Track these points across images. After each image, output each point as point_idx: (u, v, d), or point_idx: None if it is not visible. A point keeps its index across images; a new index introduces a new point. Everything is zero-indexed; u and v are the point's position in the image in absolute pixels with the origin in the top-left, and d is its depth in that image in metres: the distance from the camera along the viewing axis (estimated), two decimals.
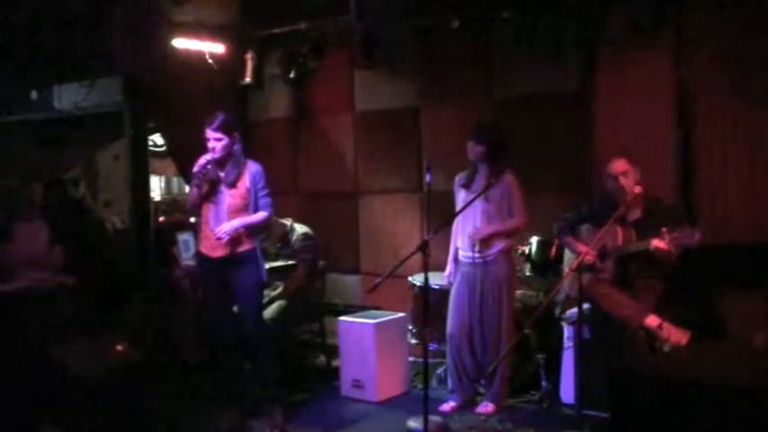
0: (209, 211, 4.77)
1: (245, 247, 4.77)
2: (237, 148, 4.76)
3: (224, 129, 4.67)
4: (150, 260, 6.54)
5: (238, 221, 4.69)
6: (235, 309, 4.99)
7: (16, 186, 5.92)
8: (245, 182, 4.75)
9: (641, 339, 4.43)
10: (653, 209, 4.59)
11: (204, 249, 4.82)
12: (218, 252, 4.74)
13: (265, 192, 4.79)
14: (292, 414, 5.05)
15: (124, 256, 6.77)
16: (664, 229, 4.27)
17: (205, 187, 4.74)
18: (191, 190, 4.78)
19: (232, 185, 4.72)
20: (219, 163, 4.72)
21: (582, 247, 4.64)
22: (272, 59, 6.89)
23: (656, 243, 4.31)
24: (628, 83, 5.28)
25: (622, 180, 4.55)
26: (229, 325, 4.87)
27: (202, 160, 4.65)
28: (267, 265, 5.16)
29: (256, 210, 4.78)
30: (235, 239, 4.72)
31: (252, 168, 4.78)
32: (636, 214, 4.62)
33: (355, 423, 5.01)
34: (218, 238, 4.66)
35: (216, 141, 4.67)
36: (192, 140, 4.93)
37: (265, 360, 4.89)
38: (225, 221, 4.70)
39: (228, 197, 4.73)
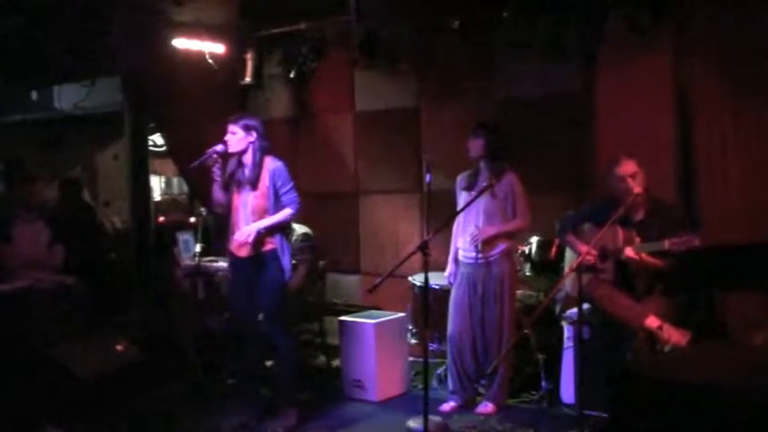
0: (238, 213, 4.81)
1: (267, 247, 4.77)
2: (255, 147, 4.75)
3: (241, 124, 4.73)
4: (150, 260, 6.54)
5: (258, 224, 4.70)
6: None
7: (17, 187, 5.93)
8: (265, 181, 4.76)
9: (641, 340, 4.43)
10: (656, 210, 4.59)
11: (233, 248, 4.86)
12: (243, 252, 4.78)
13: (288, 187, 4.78)
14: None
15: (124, 255, 6.78)
16: (667, 242, 4.27)
17: (233, 188, 4.80)
18: (214, 188, 4.83)
19: (254, 187, 4.75)
20: (240, 163, 4.78)
21: (583, 247, 4.63)
22: (272, 59, 6.88)
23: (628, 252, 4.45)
24: (628, 83, 5.28)
25: (630, 182, 4.51)
26: (249, 324, 4.88)
27: (210, 149, 4.71)
28: None
29: (279, 208, 4.78)
30: (258, 240, 4.72)
31: (270, 166, 4.78)
32: (639, 215, 4.62)
33: (355, 423, 5.01)
34: (243, 241, 4.71)
35: (231, 135, 4.74)
36: (192, 140, 4.94)
37: (283, 361, 4.89)
38: (250, 223, 4.73)
39: (252, 198, 4.76)
